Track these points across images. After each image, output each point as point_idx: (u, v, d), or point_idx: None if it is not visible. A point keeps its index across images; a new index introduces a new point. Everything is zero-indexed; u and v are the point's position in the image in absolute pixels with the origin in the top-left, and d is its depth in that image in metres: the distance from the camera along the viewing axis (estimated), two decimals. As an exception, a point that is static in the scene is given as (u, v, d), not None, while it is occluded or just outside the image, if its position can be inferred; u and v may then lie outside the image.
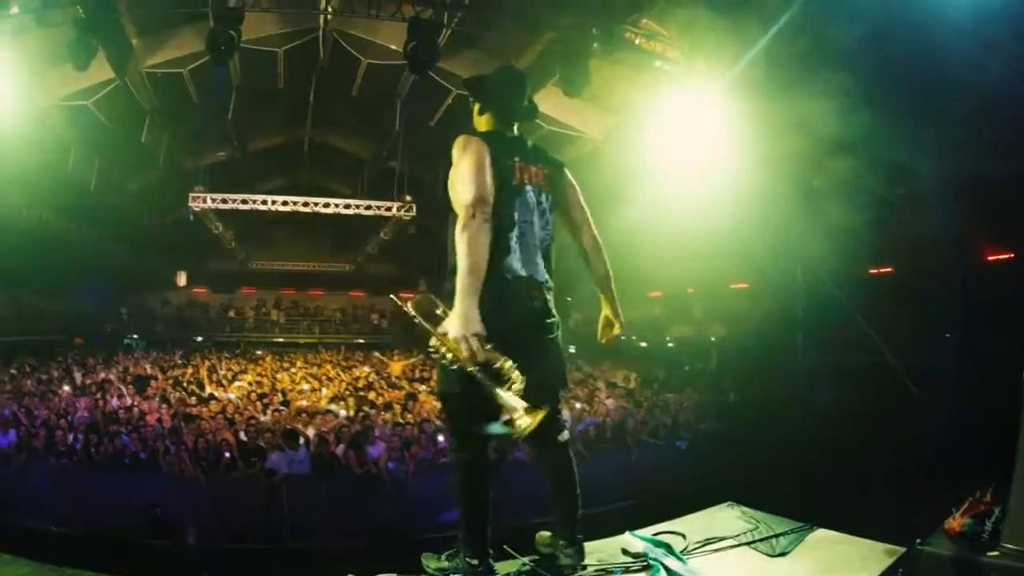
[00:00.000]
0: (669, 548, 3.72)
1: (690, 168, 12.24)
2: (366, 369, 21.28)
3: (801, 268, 12.66)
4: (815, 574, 3.54)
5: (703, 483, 4.75)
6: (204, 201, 19.37)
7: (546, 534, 3.72)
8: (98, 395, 13.69)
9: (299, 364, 22.02)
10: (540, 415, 2.99)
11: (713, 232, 13.99)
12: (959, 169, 9.49)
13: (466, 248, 3.04)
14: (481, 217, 3.08)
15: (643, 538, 3.87)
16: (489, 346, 2.99)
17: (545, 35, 12.64)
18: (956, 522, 3.32)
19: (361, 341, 29.23)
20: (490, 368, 3.03)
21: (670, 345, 23.53)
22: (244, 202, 19.91)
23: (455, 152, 3.27)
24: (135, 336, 26.93)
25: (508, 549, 3.73)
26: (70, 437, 10.23)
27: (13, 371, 16.56)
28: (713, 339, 21.13)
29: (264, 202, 20.18)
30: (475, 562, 3.32)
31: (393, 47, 13.49)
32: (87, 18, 9.65)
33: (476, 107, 3.61)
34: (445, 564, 3.47)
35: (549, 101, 13.26)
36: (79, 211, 18.84)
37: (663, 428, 12.71)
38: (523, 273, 3.29)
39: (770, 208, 12.00)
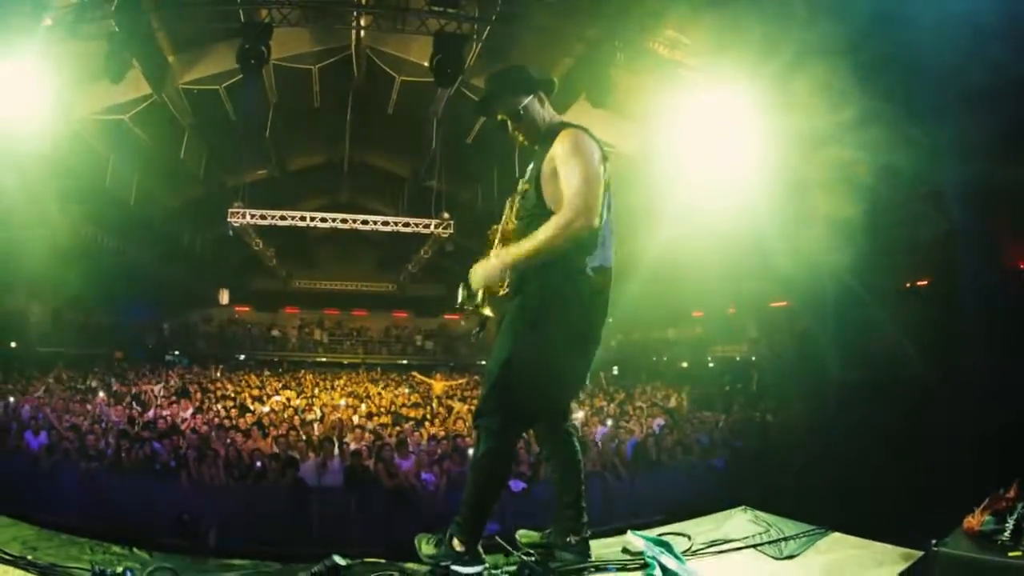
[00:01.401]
0: (669, 547, 3.62)
1: (725, 182, 12.06)
2: (406, 390, 21.36)
3: (838, 284, 12.32)
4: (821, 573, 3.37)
5: (736, 500, 4.58)
6: (243, 217, 19.66)
7: (533, 533, 3.72)
8: (133, 404, 13.93)
9: (339, 384, 22.12)
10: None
11: (751, 249, 13.76)
12: (991, 176, 9.11)
13: (548, 243, 3.10)
14: (581, 233, 3.12)
15: (645, 537, 3.73)
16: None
17: (574, 49, 12.66)
18: (975, 520, 3.08)
19: (404, 362, 29.30)
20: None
21: (711, 365, 23.19)
22: (283, 218, 20.18)
23: (567, 146, 3.24)
24: (176, 352, 27.37)
25: (500, 541, 3.64)
26: (102, 442, 10.43)
27: (50, 379, 16.98)
28: (754, 358, 20.74)
29: (303, 218, 20.44)
30: (462, 549, 3.29)
31: (426, 64, 13.62)
32: (121, 31, 9.90)
33: (535, 98, 3.51)
34: (434, 551, 3.38)
35: (580, 117, 13.24)
36: (119, 225, 19.27)
37: (699, 446, 12.43)
38: (601, 263, 3.32)
39: (806, 222, 11.73)
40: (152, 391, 16.18)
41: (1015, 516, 3.01)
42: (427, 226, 21.57)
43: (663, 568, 3.32)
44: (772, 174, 11.26)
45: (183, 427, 11.83)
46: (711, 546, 3.76)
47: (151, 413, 13.15)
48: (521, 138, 3.52)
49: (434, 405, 17.26)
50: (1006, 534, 2.95)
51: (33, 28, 9.66)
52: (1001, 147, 8.69)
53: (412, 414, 15.29)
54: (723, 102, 11.25)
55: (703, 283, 18.10)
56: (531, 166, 3.44)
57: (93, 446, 10.23)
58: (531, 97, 3.48)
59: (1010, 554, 2.85)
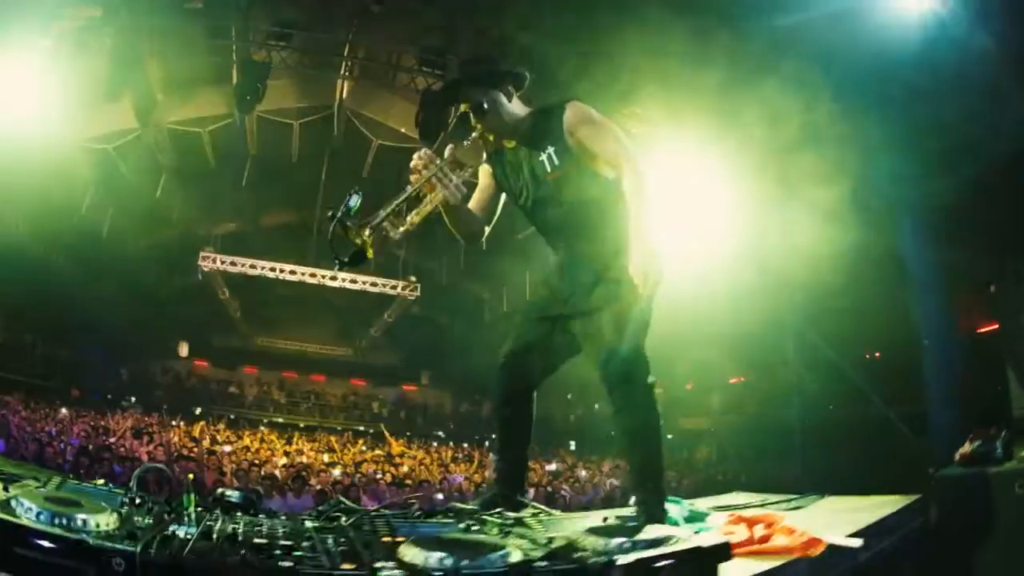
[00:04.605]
0: (678, 501, 3.66)
1: (683, 259, 12.28)
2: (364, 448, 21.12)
3: (798, 357, 12.36)
4: (831, 514, 3.54)
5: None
6: (214, 262, 19.65)
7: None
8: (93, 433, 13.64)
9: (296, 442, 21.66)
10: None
11: (709, 325, 13.96)
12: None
13: (646, 196, 3.06)
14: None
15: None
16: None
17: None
18: (967, 448, 3.34)
19: (361, 428, 28.76)
20: None
21: (669, 437, 23.32)
22: (253, 267, 20.20)
23: (583, 113, 3.21)
24: (132, 399, 25.95)
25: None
26: (60, 458, 10.22)
27: (8, 399, 16.28)
28: (712, 429, 21.08)
29: (272, 269, 20.46)
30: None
31: (403, 130, 13.94)
32: (116, 55, 10.09)
33: (501, 92, 3.31)
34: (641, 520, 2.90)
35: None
36: (89, 260, 18.65)
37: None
38: None
39: (762, 300, 12.02)
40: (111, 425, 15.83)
41: (1002, 438, 3.28)
42: (394, 287, 21.84)
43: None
44: (730, 246, 11.47)
45: (143, 456, 11.57)
46: (723, 508, 3.82)
47: (112, 440, 12.85)
48: (486, 132, 3.32)
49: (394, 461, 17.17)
50: (999, 451, 3.22)
51: (31, 48, 9.76)
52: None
53: (374, 468, 15.16)
54: (683, 171, 11.41)
55: (661, 358, 18.35)
56: (543, 156, 3.24)
57: (51, 459, 9.98)
58: (497, 91, 3.28)
59: (1006, 464, 3.10)
